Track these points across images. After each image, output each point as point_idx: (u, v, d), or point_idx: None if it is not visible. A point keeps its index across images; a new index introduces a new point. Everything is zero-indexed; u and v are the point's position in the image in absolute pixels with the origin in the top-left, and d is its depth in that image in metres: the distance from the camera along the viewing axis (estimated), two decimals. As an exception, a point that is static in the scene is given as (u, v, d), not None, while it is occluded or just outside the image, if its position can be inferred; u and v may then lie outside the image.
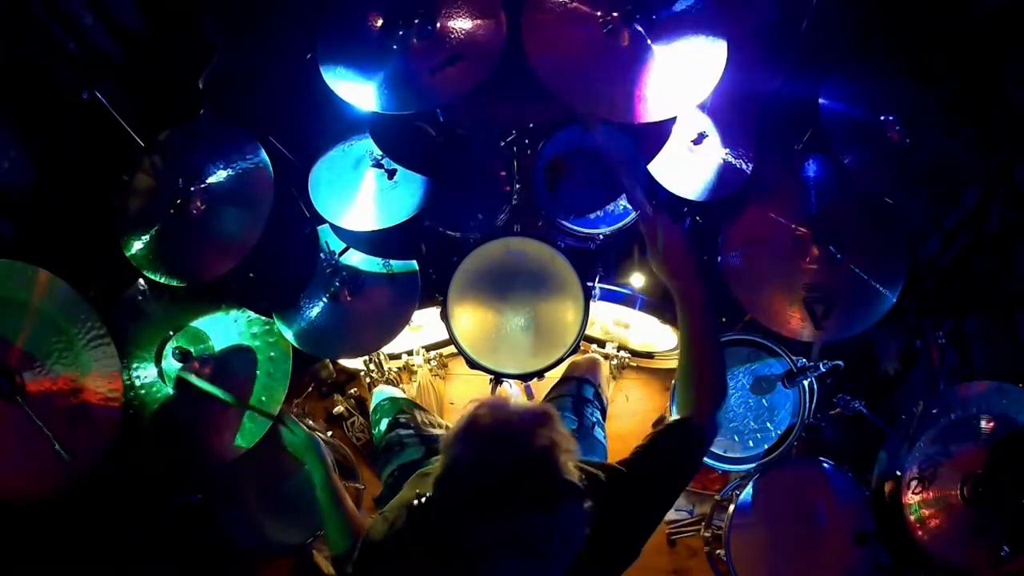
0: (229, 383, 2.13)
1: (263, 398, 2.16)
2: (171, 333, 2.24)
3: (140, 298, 2.29)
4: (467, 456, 1.22)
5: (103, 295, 2.28)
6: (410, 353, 3.08)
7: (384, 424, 2.32)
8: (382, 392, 2.54)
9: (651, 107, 2.06)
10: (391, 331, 2.30)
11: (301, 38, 2.33)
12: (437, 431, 2.30)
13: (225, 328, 2.26)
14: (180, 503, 2.39)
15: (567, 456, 1.21)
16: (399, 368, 3.13)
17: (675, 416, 1.56)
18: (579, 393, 2.40)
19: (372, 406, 2.50)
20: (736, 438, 2.32)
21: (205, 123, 2.32)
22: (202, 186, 2.18)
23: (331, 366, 3.10)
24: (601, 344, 3.03)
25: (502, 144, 2.60)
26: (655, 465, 1.49)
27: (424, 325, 2.72)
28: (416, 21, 2.15)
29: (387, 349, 2.86)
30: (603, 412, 2.42)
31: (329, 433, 2.78)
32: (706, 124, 2.40)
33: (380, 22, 2.17)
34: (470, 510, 1.19)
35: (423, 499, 1.38)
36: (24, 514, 2.00)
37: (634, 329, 2.88)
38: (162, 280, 2.13)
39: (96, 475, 1.89)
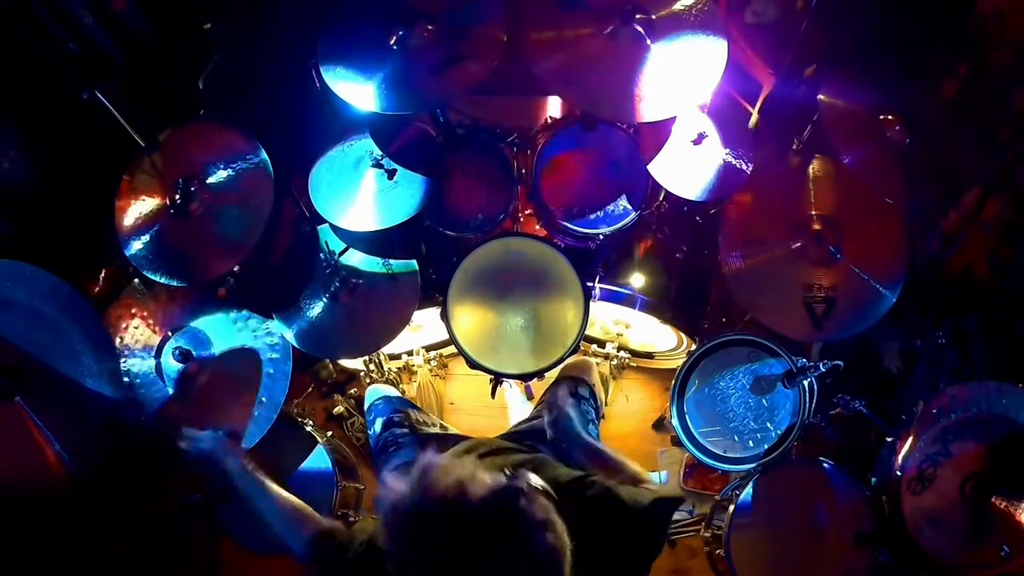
0: (229, 383, 2.13)
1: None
2: (171, 333, 2.24)
3: (139, 298, 2.29)
4: (398, 547, 1.14)
5: (103, 295, 2.28)
6: (410, 353, 3.08)
7: (379, 424, 2.32)
8: (375, 391, 2.53)
9: (651, 107, 2.06)
10: (391, 331, 2.30)
11: (301, 38, 2.33)
12: (432, 429, 2.30)
13: (225, 328, 2.26)
14: (182, 503, 2.39)
15: (476, 481, 1.12)
16: (399, 368, 3.13)
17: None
18: (576, 391, 2.40)
19: (366, 405, 2.50)
20: (736, 438, 2.32)
21: (205, 123, 2.32)
22: (202, 186, 2.18)
23: (331, 366, 3.10)
24: (601, 344, 3.03)
25: (502, 144, 2.60)
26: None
27: (424, 325, 2.72)
28: (417, 21, 2.15)
29: (387, 349, 2.86)
30: (597, 411, 2.43)
31: (329, 433, 2.78)
32: (706, 124, 2.40)
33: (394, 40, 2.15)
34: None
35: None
36: (24, 514, 2.00)
37: (634, 329, 2.88)
38: (162, 280, 2.13)
39: (96, 475, 1.89)
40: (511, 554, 1.09)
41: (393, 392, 2.58)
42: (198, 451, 1.79)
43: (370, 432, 2.37)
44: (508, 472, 1.20)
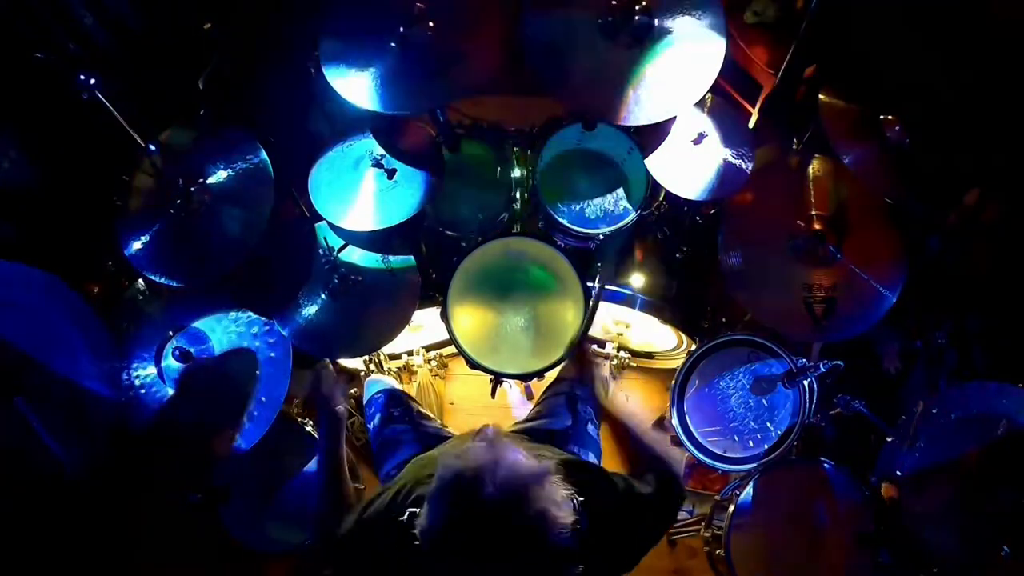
0: (229, 383, 2.13)
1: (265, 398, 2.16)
2: (171, 333, 2.24)
3: (140, 298, 2.29)
4: (451, 524, 1.20)
5: (103, 295, 2.28)
6: (410, 353, 3.08)
7: (377, 419, 2.30)
8: (374, 383, 2.50)
9: (651, 107, 2.06)
10: (391, 331, 2.30)
11: (301, 38, 2.33)
12: (432, 423, 2.30)
13: (225, 328, 2.26)
14: (182, 503, 2.39)
15: (559, 522, 1.19)
16: (399, 368, 3.13)
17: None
18: (573, 391, 2.40)
19: (365, 399, 2.48)
20: (736, 438, 2.32)
21: (205, 123, 2.32)
22: (202, 186, 2.18)
23: (331, 366, 3.10)
24: (601, 344, 3.03)
25: (502, 144, 2.60)
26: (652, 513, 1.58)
27: (424, 325, 2.72)
28: (417, 21, 2.15)
29: (387, 349, 2.86)
30: (596, 410, 2.43)
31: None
32: (706, 124, 2.40)
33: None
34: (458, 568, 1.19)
35: (409, 516, 1.36)
36: (24, 513, 2.00)
37: (634, 329, 2.88)
38: (162, 280, 2.13)
39: (96, 475, 1.89)
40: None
41: (393, 384, 2.56)
42: (321, 393, 1.94)
43: (370, 427, 2.35)
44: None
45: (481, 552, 1.17)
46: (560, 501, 1.22)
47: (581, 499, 1.34)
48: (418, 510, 1.28)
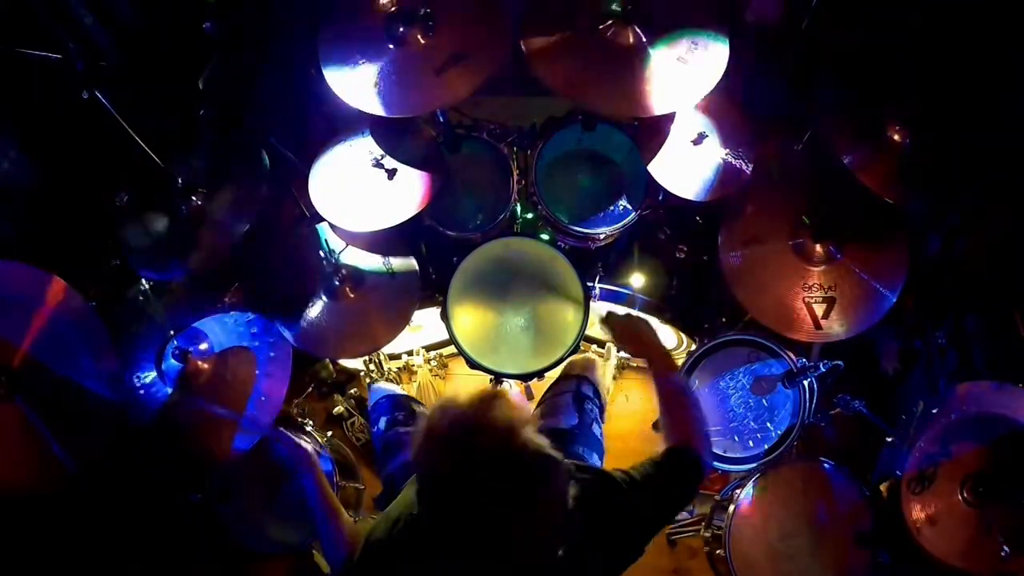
0: (228, 383, 2.13)
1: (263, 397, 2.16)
2: (171, 333, 2.24)
3: (141, 298, 2.29)
4: (437, 464, 1.22)
5: (104, 296, 2.28)
6: (410, 353, 3.08)
7: (383, 423, 2.32)
8: (379, 390, 2.53)
9: (651, 107, 2.06)
10: (391, 331, 2.30)
11: (301, 38, 2.33)
12: None
13: (225, 328, 2.25)
14: (182, 503, 2.39)
15: (529, 427, 1.21)
16: (399, 368, 3.13)
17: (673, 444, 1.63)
18: (578, 390, 2.40)
19: (370, 404, 2.50)
20: (736, 438, 2.32)
21: (205, 124, 2.32)
22: (202, 187, 2.18)
23: (331, 366, 3.10)
24: (601, 344, 3.03)
25: (502, 144, 2.60)
26: (654, 490, 1.54)
27: (424, 325, 2.72)
28: (418, 20, 2.15)
29: (387, 349, 2.86)
30: (601, 409, 2.43)
31: (329, 433, 2.78)
32: (706, 124, 2.40)
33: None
34: (459, 513, 1.19)
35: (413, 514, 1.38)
36: (24, 513, 2.00)
37: (634, 329, 2.88)
38: (161, 278, 2.14)
39: (96, 476, 1.89)
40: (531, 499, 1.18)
41: (397, 390, 2.58)
42: (281, 456, 2.01)
43: (374, 430, 2.37)
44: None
45: (467, 481, 1.17)
46: (524, 411, 1.25)
47: (580, 498, 1.34)
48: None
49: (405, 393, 2.56)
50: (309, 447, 2.13)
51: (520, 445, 1.18)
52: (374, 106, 2.09)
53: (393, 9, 2.15)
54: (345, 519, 1.78)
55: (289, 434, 2.20)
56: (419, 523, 1.32)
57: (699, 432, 1.70)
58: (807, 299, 2.21)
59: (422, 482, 1.26)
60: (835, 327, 2.19)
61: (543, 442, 1.21)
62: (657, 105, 2.06)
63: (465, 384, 3.20)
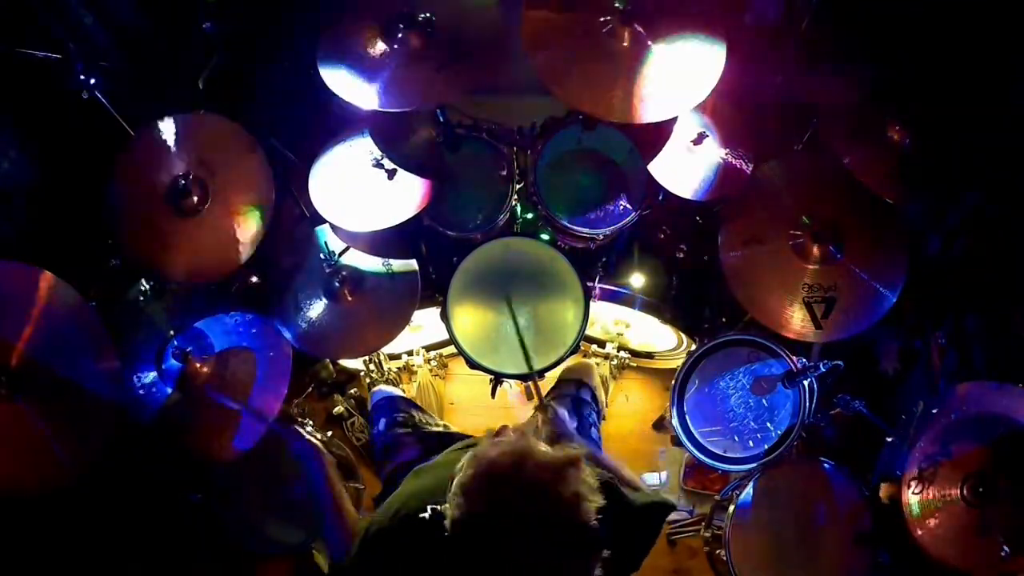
0: (228, 383, 2.13)
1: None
2: (171, 333, 2.24)
3: (141, 298, 2.29)
4: (490, 510, 1.22)
5: (104, 296, 2.27)
6: (410, 353, 3.08)
7: (382, 424, 2.33)
8: (380, 392, 2.54)
9: (651, 107, 2.06)
10: (391, 331, 2.30)
11: (301, 37, 2.33)
12: (435, 429, 2.31)
13: (225, 328, 2.25)
14: (182, 503, 2.39)
15: (592, 506, 1.21)
16: (399, 368, 3.13)
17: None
18: (577, 394, 2.41)
19: (370, 406, 2.51)
20: (736, 438, 2.32)
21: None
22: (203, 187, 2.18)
23: (331, 366, 3.10)
24: (601, 344, 3.03)
25: (502, 144, 2.60)
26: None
27: (424, 325, 2.72)
28: (417, 20, 2.15)
29: (387, 349, 2.86)
30: (598, 413, 2.44)
31: (329, 433, 2.78)
32: (706, 124, 2.40)
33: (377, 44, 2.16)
34: (491, 561, 1.20)
35: (432, 512, 1.36)
36: (24, 513, 2.00)
37: (634, 329, 2.88)
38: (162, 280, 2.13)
39: (96, 476, 1.89)
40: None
41: (397, 392, 2.59)
42: (293, 449, 2.03)
43: (374, 432, 2.38)
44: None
45: (519, 534, 1.18)
46: (593, 485, 1.24)
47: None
48: (439, 507, 1.30)
49: (404, 395, 2.57)
50: (318, 441, 2.13)
51: (582, 519, 1.19)
52: (374, 104, 2.09)
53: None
54: (351, 513, 1.79)
55: (297, 429, 2.21)
56: (434, 528, 1.29)
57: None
58: (807, 299, 2.21)
59: (468, 512, 1.23)
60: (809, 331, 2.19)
61: (594, 519, 1.21)
62: (655, 111, 2.06)
63: (465, 384, 3.20)
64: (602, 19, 2.11)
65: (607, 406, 2.97)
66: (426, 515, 1.36)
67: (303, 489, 2.33)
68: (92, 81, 1.97)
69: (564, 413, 2.31)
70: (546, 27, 2.13)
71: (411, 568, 1.45)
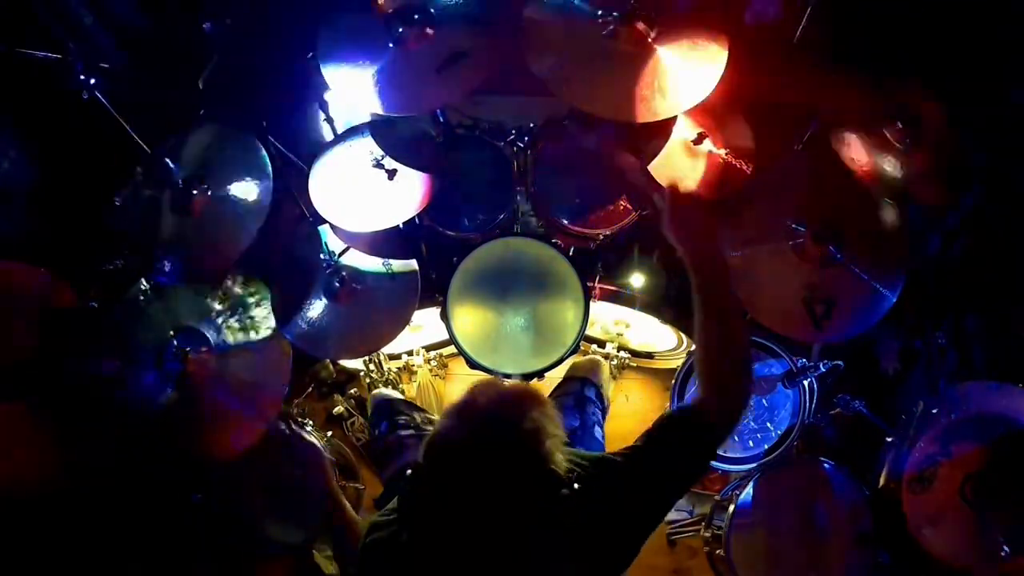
0: (228, 383, 2.13)
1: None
2: (171, 333, 2.23)
3: (141, 298, 2.29)
4: (456, 429, 1.24)
5: (104, 296, 2.28)
6: (410, 353, 3.08)
7: (384, 426, 2.33)
8: (380, 394, 2.55)
9: (651, 107, 2.06)
10: (391, 331, 2.30)
11: (301, 37, 2.33)
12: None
13: (225, 328, 2.25)
14: (182, 503, 2.39)
15: (553, 442, 1.22)
16: (399, 368, 3.13)
17: (688, 403, 1.48)
18: (582, 392, 2.41)
19: (370, 408, 2.51)
20: (736, 438, 2.32)
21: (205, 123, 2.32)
22: (203, 186, 2.18)
23: (331, 366, 3.10)
24: (601, 344, 3.03)
25: (502, 144, 2.60)
26: (657, 462, 1.40)
27: (424, 325, 2.73)
28: (417, 20, 2.15)
29: (387, 349, 2.86)
30: (603, 412, 2.43)
31: (329, 433, 2.78)
32: (706, 124, 2.40)
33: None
34: (452, 482, 1.20)
35: (413, 466, 1.36)
36: (25, 513, 2.00)
37: (634, 329, 2.88)
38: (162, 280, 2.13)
39: (96, 476, 1.89)
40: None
41: (397, 395, 2.60)
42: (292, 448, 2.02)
43: (375, 434, 2.38)
44: None
45: (474, 460, 1.19)
46: (557, 421, 1.26)
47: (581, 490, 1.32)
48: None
49: (405, 398, 2.58)
50: (317, 441, 2.14)
51: (537, 450, 1.20)
52: (374, 104, 2.09)
53: (391, 10, 2.15)
54: (350, 513, 1.78)
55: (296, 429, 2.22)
56: (417, 476, 1.28)
57: (734, 382, 1.46)
58: (807, 299, 2.20)
59: (435, 437, 1.26)
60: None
61: (560, 462, 1.21)
62: (655, 110, 2.06)
63: (465, 384, 3.18)
64: (603, 19, 2.11)
65: (610, 403, 2.97)
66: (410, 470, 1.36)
67: (303, 489, 2.33)
68: (92, 81, 1.97)
69: (565, 412, 2.31)
70: (547, 27, 2.13)
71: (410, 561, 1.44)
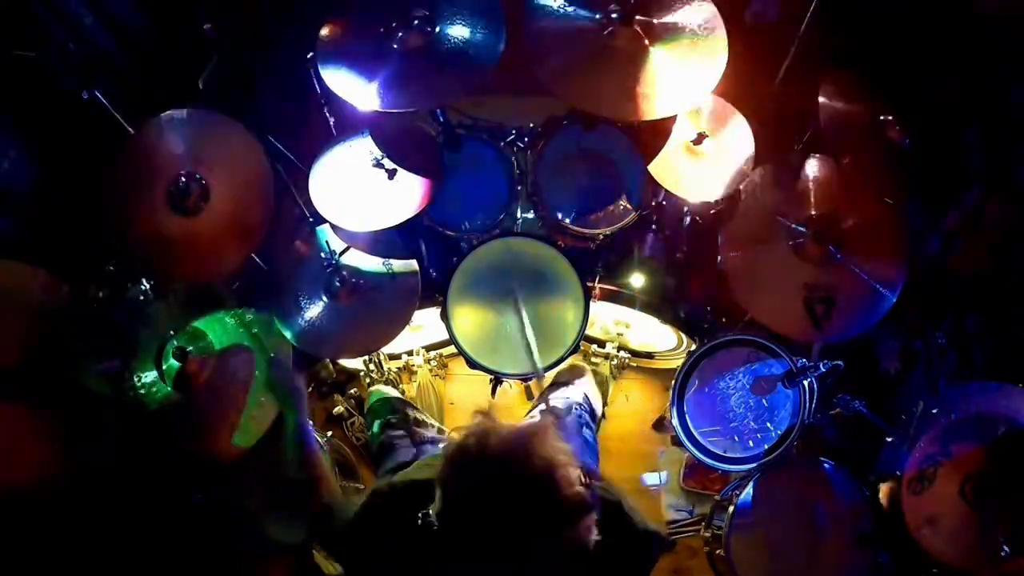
0: (229, 383, 2.13)
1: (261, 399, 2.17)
2: (171, 333, 2.24)
3: (141, 298, 2.29)
4: (464, 492, 1.20)
5: (104, 296, 2.27)
6: (410, 353, 3.07)
7: (376, 426, 2.34)
8: (375, 393, 2.55)
9: (651, 107, 2.06)
10: (391, 331, 2.30)
11: (301, 37, 2.33)
12: (429, 431, 2.31)
13: (225, 328, 2.25)
14: (182, 503, 2.39)
15: (567, 470, 1.19)
16: (399, 368, 3.13)
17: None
18: (568, 397, 2.42)
19: (366, 407, 2.51)
20: (736, 438, 2.32)
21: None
22: (203, 186, 2.18)
23: (331, 366, 3.10)
24: (601, 344, 3.03)
25: (502, 144, 2.60)
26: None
27: (424, 325, 2.72)
28: (417, 19, 2.15)
29: (387, 349, 2.86)
30: (592, 414, 2.44)
31: (329, 433, 2.78)
32: (706, 124, 2.40)
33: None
34: (478, 543, 1.18)
35: (425, 517, 1.34)
36: (25, 513, 2.00)
37: (634, 329, 2.88)
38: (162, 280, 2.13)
39: (96, 476, 1.89)
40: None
41: (393, 393, 2.59)
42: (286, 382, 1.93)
43: (370, 434, 2.38)
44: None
45: (498, 510, 1.16)
46: (566, 450, 1.22)
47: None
48: (430, 511, 1.28)
49: (400, 396, 2.57)
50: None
51: (556, 483, 1.16)
52: (374, 104, 2.09)
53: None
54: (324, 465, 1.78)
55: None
56: (439, 536, 1.26)
57: None
58: (807, 299, 2.21)
59: (445, 505, 1.23)
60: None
61: (578, 482, 1.19)
62: (655, 108, 2.06)
63: (465, 384, 3.20)
64: (603, 20, 2.11)
65: (607, 406, 2.97)
66: (419, 520, 1.34)
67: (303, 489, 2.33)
68: (92, 81, 1.97)
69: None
70: (547, 27, 2.13)
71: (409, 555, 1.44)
